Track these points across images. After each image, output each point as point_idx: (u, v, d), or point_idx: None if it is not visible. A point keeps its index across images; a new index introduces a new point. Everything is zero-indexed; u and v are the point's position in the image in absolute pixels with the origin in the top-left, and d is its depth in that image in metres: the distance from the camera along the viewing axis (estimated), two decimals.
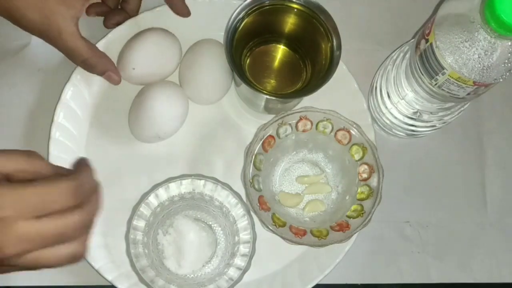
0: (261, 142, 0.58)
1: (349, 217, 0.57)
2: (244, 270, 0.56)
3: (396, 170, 0.64)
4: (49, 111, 0.61)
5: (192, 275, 0.58)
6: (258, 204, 0.56)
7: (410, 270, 0.63)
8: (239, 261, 0.57)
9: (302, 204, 0.61)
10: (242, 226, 0.57)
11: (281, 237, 0.55)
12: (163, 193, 0.57)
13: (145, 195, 0.57)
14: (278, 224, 0.56)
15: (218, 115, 0.64)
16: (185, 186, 0.57)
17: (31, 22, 0.54)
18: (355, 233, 0.56)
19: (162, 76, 0.62)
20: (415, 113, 0.61)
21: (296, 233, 0.56)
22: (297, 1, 0.58)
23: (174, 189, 0.57)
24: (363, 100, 0.63)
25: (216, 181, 0.57)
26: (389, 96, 0.62)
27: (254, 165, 0.57)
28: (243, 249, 0.57)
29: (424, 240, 0.63)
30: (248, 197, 0.56)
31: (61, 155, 0.60)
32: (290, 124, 0.59)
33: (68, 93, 0.61)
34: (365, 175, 0.58)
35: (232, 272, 0.56)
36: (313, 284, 0.59)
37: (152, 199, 0.57)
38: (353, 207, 0.58)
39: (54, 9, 0.54)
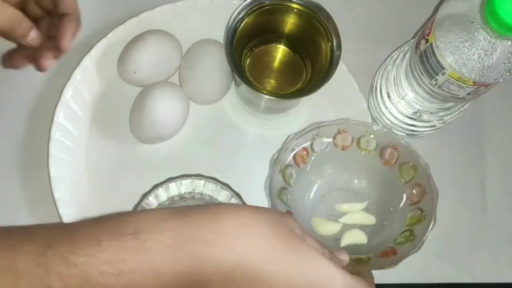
0: (292, 153, 0.52)
1: (396, 244, 0.51)
2: None
3: None
4: (49, 111, 0.60)
5: None
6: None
7: (410, 270, 0.62)
8: None
9: (339, 234, 0.54)
10: None
11: None
12: (163, 193, 0.57)
13: (145, 195, 0.56)
14: None
15: (218, 115, 0.64)
16: (185, 186, 0.57)
17: None
18: (401, 260, 0.49)
19: (162, 77, 0.62)
20: (415, 113, 0.60)
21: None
22: (297, 1, 0.58)
23: (174, 189, 0.57)
24: (363, 100, 0.63)
25: (216, 181, 0.57)
26: (389, 96, 0.62)
27: (284, 177, 0.51)
28: None
29: (425, 240, 0.63)
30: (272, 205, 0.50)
31: (61, 155, 0.60)
32: (327, 138, 0.53)
33: (68, 93, 0.61)
34: (415, 198, 0.52)
35: None
36: None
37: (152, 200, 0.57)
38: (401, 234, 0.52)
39: None
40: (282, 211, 0.47)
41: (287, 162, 0.51)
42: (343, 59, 0.57)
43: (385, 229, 0.53)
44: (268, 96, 0.57)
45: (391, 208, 0.54)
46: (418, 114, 0.60)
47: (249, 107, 0.64)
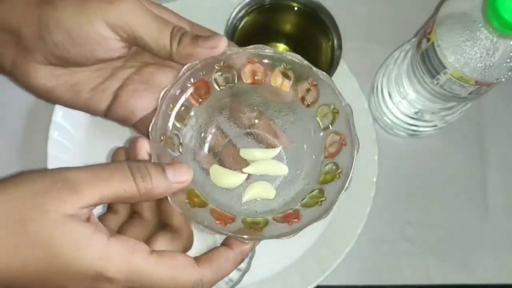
0: (191, 88, 0.43)
1: (302, 205, 0.42)
2: (244, 271, 0.55)
3: (397, 170, 0.64)
4: (47, 111, 0.60)
5: None
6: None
7: (411, 271, 0.62)
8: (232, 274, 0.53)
9: (242, 187, 0.45)
10: None
11: (195, 221, 0.39)
12: None
13: None
14: (194, 203, 0.40)
15: None
16: None
17: None
18: (304, 227, 0.39)
19: None
20: (416, 112, 0.60)
21: (219, 219, 0.40)
22: (298, 0, 0.57)
23: None
24: (364, 100, 0.63)
25: None
26: (390, 96, 0.62)
27: (176, 116, 0.42)
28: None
29: (425, 240, 0.63)
30: (152, 154, 0.40)
31: (60, 155, 0.59)
32: (234, 68, 0.44)
33: None
34: (332, 149, 0.42)
35: (232, 273, 0.56)
36: (314, 285, 0.58)
37: None
38: (309, 194, 0.42)
39: None
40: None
41: (182, 101, 0.43)
42: (344, 58, 0.57)
43: (296, 183, 0.44)
44: None
45: (305, 159, 0.45)
46: (420, 113, 0.60)
47: None
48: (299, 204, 0.42)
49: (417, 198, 0.64)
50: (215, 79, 0.44)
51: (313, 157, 0.44)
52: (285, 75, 0.44)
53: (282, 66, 0.43)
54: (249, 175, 0.45)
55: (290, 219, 0.41)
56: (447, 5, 0.51)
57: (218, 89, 0.44)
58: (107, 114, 0.47)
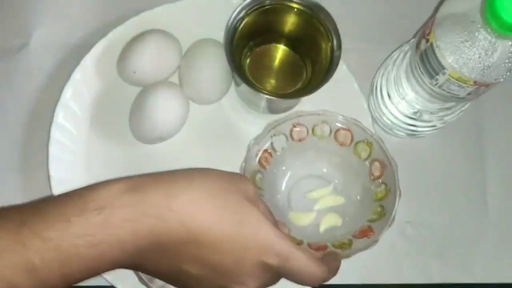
0: (257, 158, 0.54)
1: (370, 221, 0.53)
2: None
3: None
4: (49, 111, 0.60)
5: None
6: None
7: (411, 271, 0.62)
8: None
9: (317, 221, 0.57)
10: None
11: None
12: None
13: None
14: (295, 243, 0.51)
15: (218, 115, 0.64)
16: None
17: None
18: (380, 236, 0.51)
19: (162, 77, 0.62)
20: (415, 113, 0.60)
21: (317, 249, 0.51)
22: (297, 1, 0.58)
23: None
24: (363, 100, 0.63)
25: None
26: (389, 96, 0.62)
27: (255, 184, 0.53)
28: None
29: (425, 240, 0.63)
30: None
31: (61, 155, 0.60)
32: (284, 135, 0.55)
33: (68, 93, 0.61)
34: (377, 173, 0.54)
35: None
36: None
37: None
38: (373, 210, 0.54)
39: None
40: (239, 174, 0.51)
41: (255, 169, 0.54)
42: (343, 58, 0.57)
43: (356, 206, 0.56)
44: (268, 96, 0.57)
45: (358, 186, 0.56)
46: (419, 114, 0.60)
47: (249, 107, 0.64)
48: (366, 220, 0.53)
49: (416, 198, 0.64)
50: (272, 147, 0.55)
51: (362, 184, 0.56)
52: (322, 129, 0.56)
53: (319, 122, 0.55)
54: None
55: (367, 234, 0.52)
56: (446, 5, 0.51)
57: (276, 153, 0.55)
58: None
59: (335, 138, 0.56)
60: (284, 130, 0.55)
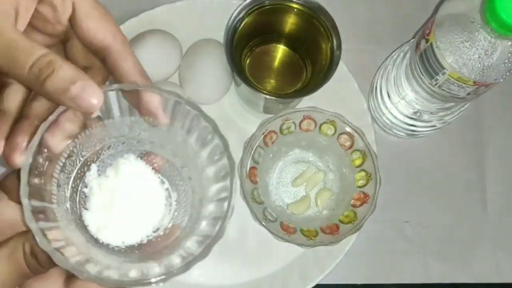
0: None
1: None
2: (214, 240, 0.35)
3: (396, 170, 0.64)
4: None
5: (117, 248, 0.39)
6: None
7: (410, 270, 0.63)
8: (205, 227, 0.37)
9: (313, 202, 0.61)
10: (218, 175, 0.37)
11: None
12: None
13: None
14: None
15: (218, 115, 0.63)
16: None
17: None
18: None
19: (162, 77, 0.62)
20: (415, 113, 0.60)
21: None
22: (297, 1, 0.58)
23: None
24: (363, 100, 0.63)
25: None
26: (389, 96, 0.62)
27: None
28: (215, 208, 0.37)
29: (424, 240, 0.63)
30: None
31: None
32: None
33: None
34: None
35: (191, 244, 0.37)
36: (313, 284, 0.59)
37: None
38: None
39: None
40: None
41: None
42: (343, 59, 0.57)
43: (339, 174, 0.61)
44: (268, 96, 0.57)
45: (332, 158, 0.61)
46: (418, 114, 0.60)
47: (249, 107, 0.64)
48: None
49: (416, 198, 0.65)
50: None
51: (336, 154, 0.60)
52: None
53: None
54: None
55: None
56: (446, 6, 0.51)
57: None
58: None
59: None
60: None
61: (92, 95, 0.33)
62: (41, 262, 0.35)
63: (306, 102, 0.61)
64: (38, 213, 0.33)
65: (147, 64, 0.60)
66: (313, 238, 0.56)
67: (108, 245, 0.38)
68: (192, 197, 0.40)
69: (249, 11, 0.57)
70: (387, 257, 0.63)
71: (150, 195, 0.39)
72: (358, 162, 0.58)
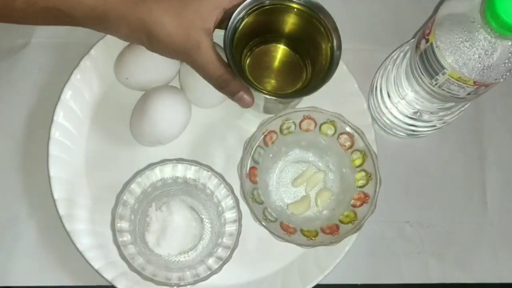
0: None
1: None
2: (233, 249, 0.55)
3: (396, 170, 0.64)
4: (49, 111, 0.60)
5: (167, 258, 0.58)
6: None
7: (410, 270, 0.63)
8: (221, 252, 0.56)
9: (313, 202, 0.61)
10: (230, 218, 0.57)
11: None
12: (157, 174, 0.58)
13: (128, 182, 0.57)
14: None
15: (218, 115, 0.64)
16: (180, 171, 0.58)
17: (168, 31, 0.53)
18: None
19: (163, 81, 0.61)
20: (415, 113, 0.60)
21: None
22: (297, 1, 0.58)
23: (169, 171, 0.58)
24: (363, 100, 0.63)
25: (209, 169, 0.57)
26: (389, 96, 0.62)
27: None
28: (227, 241, 0.56)
29: (424, 240, 0.63)
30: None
31: (61, 155, 0.60)
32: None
33: (68, 93, 0.61)
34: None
35: (212, 262, 0.56)
36: (313, 284, 0.59)
37: (137, 185, 0.57)
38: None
39: (193, 21, 0.53)
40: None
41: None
42: (343, 59, 0.57)
43: (339, 174, 0.61)
44: (268, 96, 0.57)
45: (332, 158, 0.61)
46: (419, 114, 0.60)
47: None
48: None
49: (416, 198, 0.65)
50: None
51: (336, 154, 0.60)
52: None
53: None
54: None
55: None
56: (446, 6, 0.51)
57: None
58: None
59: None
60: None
61: (246, 100, 0.58)
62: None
63: (306, 102, 0.61)
64: (122, 231, 0.56)
65: (148, 69, 0.60)
66: (313, 238, 0.56)
67: (160, 256, 0.58)
68: (212, 232, 0.60)
69: (249, 11, 0.57)
70: (387, 257, 0.63)
71: (188, 226, 0.59)
72: (358, 162, 0.58)
